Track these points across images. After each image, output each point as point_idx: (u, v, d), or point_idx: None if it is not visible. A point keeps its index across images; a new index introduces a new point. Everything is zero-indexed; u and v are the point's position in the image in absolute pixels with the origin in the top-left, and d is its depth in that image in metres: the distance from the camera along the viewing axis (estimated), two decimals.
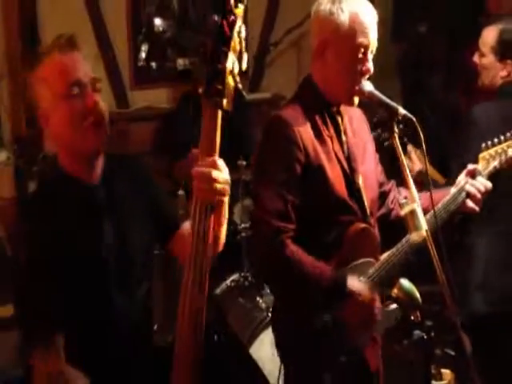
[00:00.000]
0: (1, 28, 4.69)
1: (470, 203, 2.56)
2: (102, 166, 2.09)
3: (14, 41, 4.66)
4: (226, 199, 1.81)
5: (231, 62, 1.69)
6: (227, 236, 4.87)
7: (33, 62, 2.03)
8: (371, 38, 2.35)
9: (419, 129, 2.18)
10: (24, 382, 2.02)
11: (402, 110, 2.25)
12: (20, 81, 4.62)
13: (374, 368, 2.53)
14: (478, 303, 3.04)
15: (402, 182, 2.60)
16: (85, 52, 2.07)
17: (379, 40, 2.39)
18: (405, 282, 2.15)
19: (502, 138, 2.65)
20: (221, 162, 1.76)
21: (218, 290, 4.03)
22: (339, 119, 2.48)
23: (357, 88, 2.36)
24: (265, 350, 3.63)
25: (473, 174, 2.59)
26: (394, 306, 2.34)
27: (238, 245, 4.11)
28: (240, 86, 1.73)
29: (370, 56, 2.38)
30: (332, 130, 2.44)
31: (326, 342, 2.34)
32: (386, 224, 2.58)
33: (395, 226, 2.57)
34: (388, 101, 2.30)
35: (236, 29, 1.69)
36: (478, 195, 2.56)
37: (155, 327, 2.26)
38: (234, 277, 4.06)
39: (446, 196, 2.55)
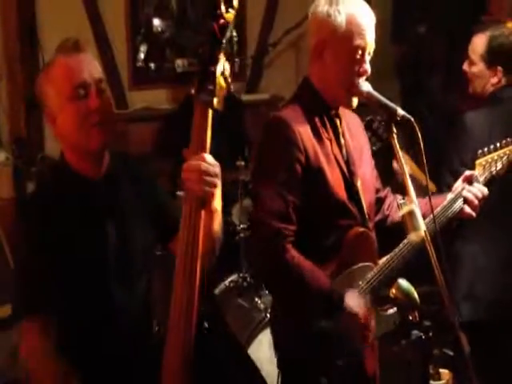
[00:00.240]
0: None
1: (467, 209, 2.58)
2: (107, 164, 2.14)
3: (13, 41, 4.67)
4: (217, 192, 1.85)
5: (222, 63, 1.78)
6: (226, 237, 4.88)
7: (39, 64, 2.12)
8: (368, 39, 2.35)
9: (417, 130, 2.19)
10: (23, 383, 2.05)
11: (400, 111, 2.26)
12: (19, 81, 4.63)
13: (371, 371, 2.53)
14: (464, 311, 3.05)
15: (396, 189, 2.62)
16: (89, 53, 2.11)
17: (378, 41, 2.39)
18: (403, 283, 2.15)
19: (498, 144, 2.66)
20: (210, 157, 1.83)
21: (216, 291, 4.03)
22: (338, 122, 2.48)
23: (354, 89, 2.37)
24: (263, 351, 3.64)
25: (470, 180, 2.61)
26: (392, 310, 2.34)
27: (237, 245, 4.12)
28: (231, 87, 1.82)
29: (368, 57, 2.38)
30: (331, 133, 2.44)
31: (324, 344, 2.34)
32: (382, 230, 2.59)
33: (391, 232, 2.58)
34: (387, 101, 2.30)
35: (227, 32, 1.76)
36: (475, 201, 2.58)
37: (155, 327, 2.26)
38: (233, 277, 4.07)
39: (443, 202, 2.56)
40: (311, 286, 2.30)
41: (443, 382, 3.41)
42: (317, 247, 2.38)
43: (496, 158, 2.65)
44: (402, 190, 2.61)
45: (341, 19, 2.33)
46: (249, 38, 5.74)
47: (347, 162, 2.46)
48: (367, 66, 2.37)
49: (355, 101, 2.42)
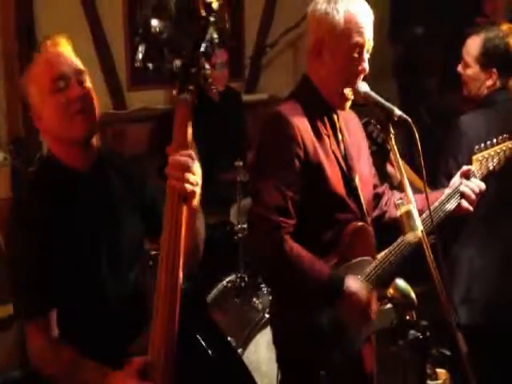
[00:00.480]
0: None
1: (464, 204, 2.59)
2: (95, 157, 2.17)
3: (11, 42, 4.66)
4: (198, 191, 1.88)
5: (202, 63, 1.84)
6: (224, 236, 4.88)
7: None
8: (367, 37, 2.36)
9: (414, 130, 2.19)
10: (22, 383, 2.06)
11: (397, 111, 2.26)
12: (17, 81, 4.63)
13: (369, 369, 2.54)
14: (462, 314, 3.05)
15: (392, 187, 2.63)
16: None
17: (375, 41, 2.40)
18: (400, 282, 2.16)
19: (495, 140, 2.68)
20: (193, 154, 1.86)
21: (214, 291, 4.04)
22: (335, 118, 2.49)
23: (351, 90, 2.37)
24: (261, 351, 3.65)
25: (467, 175, 2.63)
26: (389, 305, 2.35)
27: (235, 245, 4.12)
28: (214, 86, 1.84)
29: (366, 56, 2.39)
30: (329, 129, 2.45)
31: (324, 340, 2.35)
32: (379, 226, 2.60)
33: (389, 228, 2.59)
34: (384, 102, 2.31)
35: (208, 34, 1.84)
36: (473, 196, 2.59)
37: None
38: (231, 277, 4.07)
39: (441, 197, 2.58)
40: (311, 274, 2.31)
41: (440, 381, 3.42)
42: (316, 242, 2.39)
43: (493, 153, 2.67)
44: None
45: (339, 17, 2.33)
46: (247, 38, 5.75)
47: (345, 158, 2.47)
48: (366, 65, 2.38)
49: (348, 104, 2.43)
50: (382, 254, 2.48)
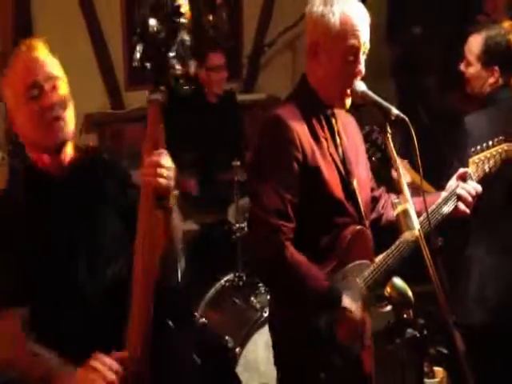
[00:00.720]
0: None
1: (461, 206, 2.59)
2: (72, 158, 2.17)
3: (9, 42, 4.67)
4: (172, 185, 1.92)
5: (173, 65, 1.90)
6: (222, 236, 4.88)
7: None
8: (363, 39, 2.36)
9: (412, 129, 2.20)
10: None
11: (394, 111, 2.26)
12: None
13: (369, 369, 2.55)
14: (475, 314, 3.06)
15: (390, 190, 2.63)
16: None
17: (373, 42, 2.40)
18: (397, 281, 2.16)
19: (491, 142, 2.68)
20: (165, 152, 1.90)
21: (212, 290, 4.04)
22: (333, 121, 2.49)
23: (349, 90, 2.38)
24: (259, 350, 3.65)
25: (464, 178, 2.63)
26: (389, 307, 2.35)
27: (233, 245, 4.12)
28: (186, 87, 1.92)
29: (362, 58, 2.39)
30: (327, 132, 2.45)
31: (322, 342, 2.35)
32: (376, 229, 2.60)
33: (386, 231, 2.59)
34: (381, 101, 2.31)
35: (178, 36, 1.90)
36: (469, 198, 2.59)
37: None
38: (229, 277, 4.07)
39: (437, 199, 2.58)
40: (309, 284, 2.31)
41: (437, 380, 3.43)
42: (314, 245, 2.39)
43: (489, 155, 2.67)
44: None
45: (335, 19, 2.33)
46: (245, 37, 5.75)
47: (343, 161, 2.47)
48: (362, 67, 2.38)
49: (348, 102, 2.43)
50: (380, 257, 2.48)
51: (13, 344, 2.04)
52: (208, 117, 4.93)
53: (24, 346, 2.02)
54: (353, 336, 2.38)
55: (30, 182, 2.14)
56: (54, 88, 2.10)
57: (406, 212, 2.14)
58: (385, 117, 2.27)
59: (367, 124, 2.78)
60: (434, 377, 3.43)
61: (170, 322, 2.19)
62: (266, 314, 3.60)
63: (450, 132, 3.19)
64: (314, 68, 2.43)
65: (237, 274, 4.05)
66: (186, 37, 1.90)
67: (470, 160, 2.66)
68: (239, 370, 3.62)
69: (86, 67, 5.00)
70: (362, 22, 2.36)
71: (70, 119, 2.10)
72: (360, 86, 2.38)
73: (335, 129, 2.49)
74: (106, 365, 1.93)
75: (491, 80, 3.13)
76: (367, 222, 2.51)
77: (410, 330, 2.11)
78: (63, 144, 2.12)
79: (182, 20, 1.89)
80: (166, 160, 1.89)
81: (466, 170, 2.64)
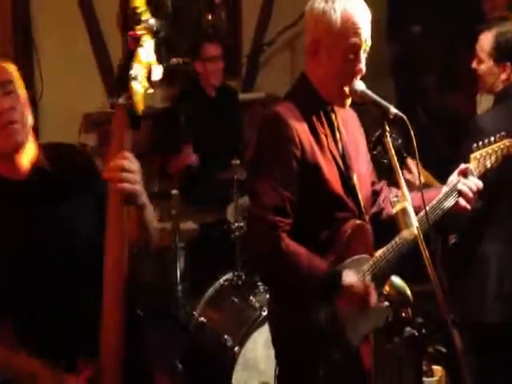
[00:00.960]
0: None
1: (462, 202, 2.59)
2: (34, 160, 2.16)
3: (8, 42, 4.67)
4: (138, 188, 1.94)
5: (136, 72, 1.94)
6: (221, 235, 4.87)
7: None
8: (364, 38, 2.35)
9: (410, 128, 2.20)
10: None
11: (393, 109, 2.26)
12: None
13: (367, 366, 2.55)
14: (493, 312, 3.04)
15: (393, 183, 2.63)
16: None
17: (373, 40, 2.39)
18: (396, 280, 2.17)
19: (493, 138, 2.67)
20: (129, 155, 1.91)
21: (211, 289, 4.04)
22: (333, 117, 2.49)
23: (348, 89, 2.38)
24: (258, 349, 3.65)
25: (465, 174, 2.62)
26: (386, 303, 2.35)
27: (232, 244, 4.13)
28: (151, 90, 1.99)
29: (363, 56, 2.39)
30: (327, 128, 2.45)
31: (322, 338, 2.36)
32: (377, 223, 2.60)
33: (387, 225, 2.59)
34: (380, 100, 2.31)
35: (141, 43, 1.95)
36: (470, 194, 2.59)
37: None
38: (228, 276, 4.07)
39: (438, 195, 2.58)
40: (308, 270, 2.31)
41: (436, 378, 3.43)
42: (314, 240, 2.39)
43: (490, 151, 2.66)
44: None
45: (336, 17, 2.33)
46: (244, 36, 5.75)
47: (343, 157, 2.47)
48: (362, 65, 2.38)
49: (348, 102, 2.43)
50: (380, 251, 2.48)
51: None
52: (208, 115, 4.93)
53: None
54: (359, 310, 2.36)
55: None
56: (9, 91, 2.09)
57: (404, 210, 2.14)
58: (383, 116, 2.27)
59: (366, 123, 2.78)
60: (432, 375, 3.44)
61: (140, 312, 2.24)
62: (264, 313, 3.60)
63: (463, 133, 3.17)
64: (314, 66, 2.43)
65: (236, 273, 4.05)
66: (149, 43, 1.97)
67: (472, 156, 2.65)
68: (238, 368, 3.62)
69: (85, 67, 5.00)
70: (363, 20, 2.35)
71: (25, 122, 2.10)
72: (359, 85, 2.38)
73: (335, 124, 2.49)
74: None
75: (503, 76, 3.14)
76: (367, 217, 2.52)
77: (408, 329, 2.12)
78: (21, 147, 2.11)
79: (144, 26, 1.97)
80: (131, 163, 1.90)
81: (467, 165, 2.64)
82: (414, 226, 2.13)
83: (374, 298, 2.38)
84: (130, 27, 1.96)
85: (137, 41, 1.95)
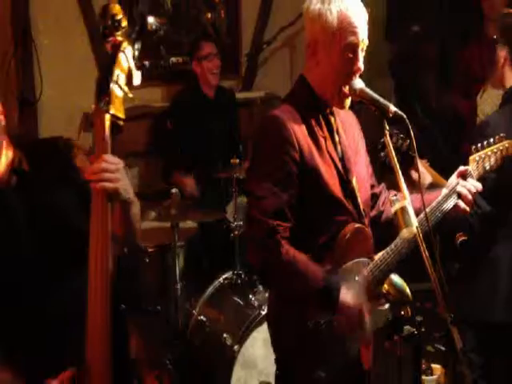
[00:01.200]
0: None
1: (461, 204, 2.59)
2: (9, 162, 2.16)
3: (7, 40, 4.67)
4: (120, 186, 1.98)
5: (116, 76, 2.01)
6: (220, 234, 4.87)
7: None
8: (361, 37, 2.36)
9: (410, 126, 2.20)
10: None
11: (392, 108, 2.26)
12: (13, 80, 4.63)
13: (368, 366, 2.55)
14: (506, 314, 3.03)
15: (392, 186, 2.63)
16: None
17: (372, 39, 2.40)
18: (395, 278, 2.17)
19: (492, 140, 2.67)
20: (110, 156, 1.97)
21: (210, 288, 4.04)
22: (332, 119, 2.49)
23: (347, 88, 2.38)
24: (258, 348, 3.65)
25: (464, 176, 2.62)
26: (387, 305, 2.35)
27: (231, 243, 4.13)
28: (131, 95, 2.06)
29: (361, 55, 2.39)
30: (326, 130, 2.45)
31: (321, 339, 2.36)
32: (377, 225, 2.60)
33: (386, 228, 2.59)
34: (379, 98, 2.31)
35: (121, 48, 2.02)
36: (469, 196, 2.58)
37: None
38: (227, 274, 4.08)
39: (437, 197, 2.58)
40: (307, 280, 2.31)
41: (435, 377, 3.44)
42: (313, 243, 2.39)
43: (489, 153, 2.66)
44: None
45: (332, 17, 2.33)
46: (244, 35, 5.75)
47: (342, 160, 2.47)
48: (360, 64, 2.38)
49: (348, 102, 2.43)
50: (380, 254, 2.48)
51: None
52: (206, 115, 4.93)
53: None
54: (352, 329, 2.37)
55: None
56: None
57: (404, 209, 2.14)
58: (383, 114, 2.27)
59: (364, 122, 2.78)
60: (431, 374, 3.44)
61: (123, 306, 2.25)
62: (264, 312, 3.61)
63: (474, 133, 3.16)
64: (312, 66, 2.43)
65: (235, 272, 4.06)
66: (128, 48, 2.02)
67: (471, 158, 2.64)
68: (238, 367, 3.62)
69: (84, 67, 5.00)
70: (359, 19, 2.36)
71: (1, 131, 2.14)
72: (358, 83, 2.38)
73: (334, 127, 2.49)
74: None
75: None
76: (366, 220, 2.51)
77: (407, 327, 2.12)
78: None
79: (120, 32, 2.03)
80: (110, 165, 1.95)
81: (466, 167, 2.64)
82: (413, 225, 2.12)
83: (367, 319, 2.38)
84: (110, 34, 2.03)
85: (117, 47, 2.00)
